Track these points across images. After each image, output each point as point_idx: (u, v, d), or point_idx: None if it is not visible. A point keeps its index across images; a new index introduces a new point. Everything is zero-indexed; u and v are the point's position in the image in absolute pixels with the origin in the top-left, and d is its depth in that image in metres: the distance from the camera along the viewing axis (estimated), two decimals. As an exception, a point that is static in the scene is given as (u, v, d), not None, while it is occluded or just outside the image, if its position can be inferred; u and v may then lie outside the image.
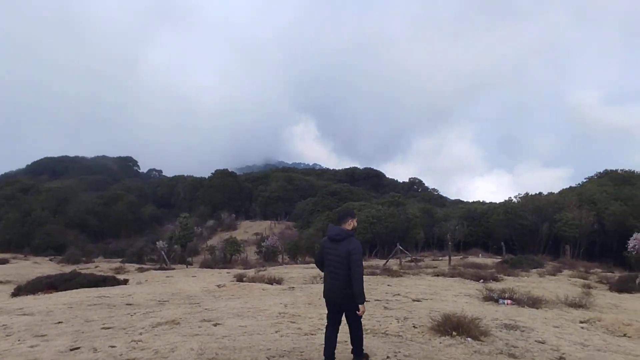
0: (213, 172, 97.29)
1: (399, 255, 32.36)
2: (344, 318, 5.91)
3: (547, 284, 17.68)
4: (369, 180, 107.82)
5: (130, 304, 11.58)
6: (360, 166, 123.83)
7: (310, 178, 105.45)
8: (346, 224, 5.75)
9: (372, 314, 9.56)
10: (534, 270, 24.59)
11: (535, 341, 7.73)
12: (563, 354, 7.05)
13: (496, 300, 11.80)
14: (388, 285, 15.28)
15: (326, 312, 6.03)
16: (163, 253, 40.25)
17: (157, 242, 45.73)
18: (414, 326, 8.46)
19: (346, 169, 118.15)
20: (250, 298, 12.18)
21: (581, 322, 9.77)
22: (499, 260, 29.36)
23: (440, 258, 35.91)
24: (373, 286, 14.67)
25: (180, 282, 18.53)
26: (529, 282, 17.84)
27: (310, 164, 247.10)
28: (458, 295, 12.94)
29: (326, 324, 6.00)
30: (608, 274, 25.96)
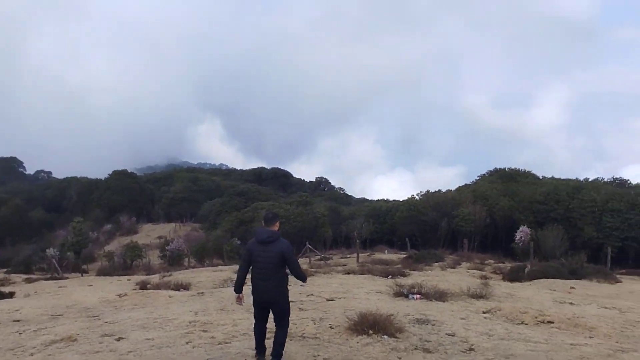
0: (110, 173, 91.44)
1: (309, 254, 32.57)
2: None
3: (449, 276, 18.64)
4: (276, 180, 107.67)
5: (17, 320, 10.36)
6: (267, 166, 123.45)
7: (216, 178, 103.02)
8: (274, 226, 6.03)
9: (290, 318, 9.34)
10: (436, 264, 25.90)
11: (446, 334, 7.98)
12: (472, 345, 7.33)
13: (406, 296, 12.13)
14: (301, 285, 15.12)
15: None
16: (54, 261, 36.98)
17: (47, 250, 41.89)
18: (330, 327, 8.37)
19: (254, 169, 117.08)
20: (156, 307, 11.42)
21: (484, 313, 10.31)
22: (404, 255, 30.56)
23: (349, 256, 36.63)
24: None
25: (75, 293, 16.98)
26: (433, 276, 18.67)
27: (217, 164, 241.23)
28: (370, 293, 13.13)
29: (254, 322, 6.28)
30: (500, 264, 28.02)
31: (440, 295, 11.88)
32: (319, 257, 33.83)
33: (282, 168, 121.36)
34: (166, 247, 45.24)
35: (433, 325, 8.63)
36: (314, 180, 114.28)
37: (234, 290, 6.32)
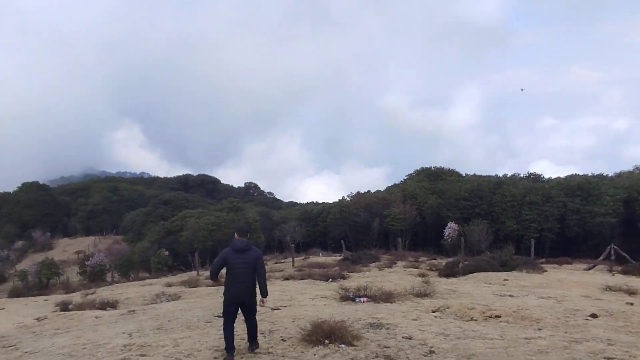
0: (19, 185, 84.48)
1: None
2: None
3: (389, 276, 18.65)
4: (203, 187, 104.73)
5: None
6: (193, 173, 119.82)
7: (139, 187, 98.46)
8: (247, 237, 7.10)
9: (235, 332, 8.67)
10: (373, 264, 25.99)
11: (403, 337, 7.72)
12: (432, 347, 7.11)
13: (353, 299, 11.84)
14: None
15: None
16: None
17: (-52, 273, 37.71)
18: (282, 339, 7.84)
19: (179, 177, 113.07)
20: (83, 330, 10.27)
21: (433, 312, 10.22)
22: (340, 258, 30.48)
23: (283, 260, 36.03)
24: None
25: (-16, 320, 15.14)
26: (373, 277, 18.59)
27: (137, 173, 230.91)
28: (315, 298, 12.72)
29: (224, 323, 7.01)
30: (433, 261, 28.66)
31: (387, 297, 11.69)
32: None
33: (209, 174, 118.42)
34: (86, 263, 42.25)
35: (387, 329, 8.36)
36: (242, 185, 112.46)
37: (211, 279, 7.52)
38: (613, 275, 19.44)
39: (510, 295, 12.38)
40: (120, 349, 7.87)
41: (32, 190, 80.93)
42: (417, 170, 55.82)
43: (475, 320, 9.40)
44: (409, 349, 7.05)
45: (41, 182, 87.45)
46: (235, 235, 7.06)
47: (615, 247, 22.13)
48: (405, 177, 55.16)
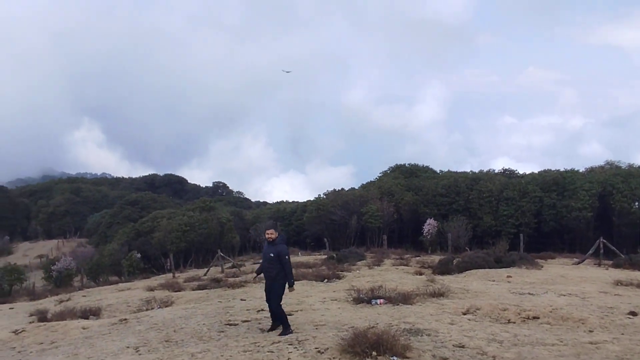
0: (-27, 187, 79.99)
1: (220, 263, 30.39)
2: None
3: (387, 275, 17.95)
4: (170, 187, 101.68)
5: None
6: (156, 173, 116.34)
7: (102, 188, 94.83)
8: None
9: (256, 342, 7.74)
10: (359, 262, 25.26)
11: (454, 346, 6.97)
12: (494, 357, 6.38)
13: (368, 302, 11.05)
14: (242, 299, 13.42)
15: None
16: None
17: None
18: (319, 351, 6.94)
19: (145, 177, 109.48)
20: (75, 345, 9.07)
21: (464, 314, 9.55)
22: (323, 257, 29.66)
23: (261, 261, 34.98)
24: (229, 303, 12.56)
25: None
26: (370, 276, 17.87)
27: (99, 174, 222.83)
28: (325, 301, 11.87)
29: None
30: (417, 258, 28.21)
31: (404, 298, 10.95)
32: (231, 264, 31.74)
33: (175, 174, 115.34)
34: (51, 267, 39.96)
35: (429, 335, 7.60)
36: (210, 185, 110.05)
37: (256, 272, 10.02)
38: (607, 269, 19.39)
39: (529, 294, 11.84)
40: (133, 368, 6.82)
41: (-13, 192, 76.74)
42: (391, 167, 55.52)
43: (514, 322, 8.77)
44: (468, 359, 6.29)
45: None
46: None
47: (604, 240, 22.15)
48: (380, 174, 54.78)
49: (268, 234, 8.76)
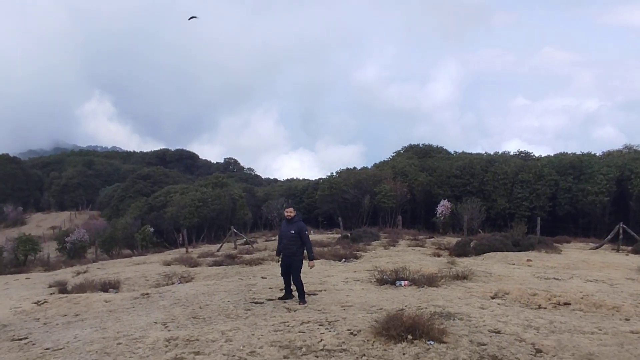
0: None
1: (233, 239, 30.48)
2: None
3: (405, 256, 17.81)
4: (182, 162, 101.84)
5: None
6: (166, 147, 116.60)
7: (114, 162, 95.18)
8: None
9: (285, 321, 7.65)
10: (374, 243, 25.16)
11: (489, 331, 6.83)
12: (534, 344, 6.23)
13: (392, 283, 10.93)
14: (262, 277, 13.37)
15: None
16: None
17: None
18: (351, 333, 6.84)
19: (156, 151, 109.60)
20: (100, 319, 9.07)
21: (492, 298, 9.40)
22: (338, 236, 29.61)
23: (273, 238, 35.02)
24: (250, 281, 12.51)
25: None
26: (388, 257, 17.76)
27: (109, 147, 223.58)
28: (348, 281, 11.77)
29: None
30: (431, 239, 28.07)
31: (429, 281, 10.82)
32: (244, 240, 31.84)
33: (186, 149, 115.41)
34: (65, 239, 40.39)
35: (461, 320, 7.46)
36: (222, 161, 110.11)
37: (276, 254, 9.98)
38: (627, 255, 19.11)
39: (555, 279, 11.65)
40: (164, 344, 6.75)
41: (1, 163, 77.27)
42: (404, 147, 55.02)
43: (545, 308, 8.60)
44: (509, 346, 6.14)
45: (11, 155, 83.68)
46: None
47: (624, 226, 21.82)
48: (393, 154, 54.33)
49: (288, 212, 9.46)
